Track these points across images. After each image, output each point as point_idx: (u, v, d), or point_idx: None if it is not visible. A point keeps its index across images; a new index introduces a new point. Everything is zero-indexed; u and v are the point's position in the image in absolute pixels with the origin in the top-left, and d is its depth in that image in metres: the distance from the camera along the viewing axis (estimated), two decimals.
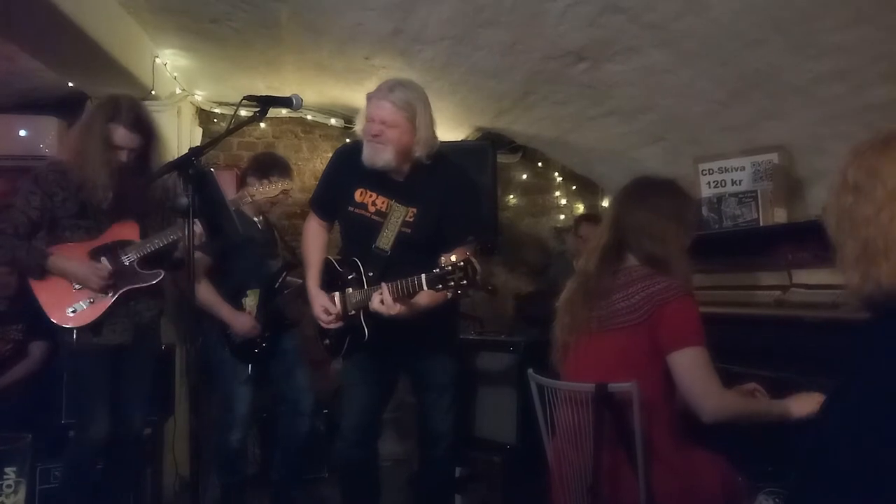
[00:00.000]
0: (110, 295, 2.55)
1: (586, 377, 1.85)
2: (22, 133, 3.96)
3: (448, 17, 2.93)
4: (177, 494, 3.64)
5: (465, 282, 2.03)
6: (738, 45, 2.55)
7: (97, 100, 2.70)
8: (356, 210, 2.45)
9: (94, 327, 2.52)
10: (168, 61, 3.81)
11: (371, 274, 2.39)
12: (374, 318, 2.29)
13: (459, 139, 4.53)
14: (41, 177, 2.54)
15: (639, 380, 1.77)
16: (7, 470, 0.84)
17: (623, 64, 2.97)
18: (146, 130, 2.60)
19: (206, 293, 3.11)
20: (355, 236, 2.51)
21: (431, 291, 2.12)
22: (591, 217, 4.22)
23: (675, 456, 1.85)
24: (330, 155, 2.83)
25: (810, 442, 1.13)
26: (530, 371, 2.13)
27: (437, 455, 2.65)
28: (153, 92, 3.67)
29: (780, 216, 2.83)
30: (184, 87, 4.12)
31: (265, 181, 3.17)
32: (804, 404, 1.81)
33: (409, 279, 2.16)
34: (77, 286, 2.52)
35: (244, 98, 2.26)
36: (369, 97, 2.34)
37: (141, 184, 2.59)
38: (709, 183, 3.08)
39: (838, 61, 2.36)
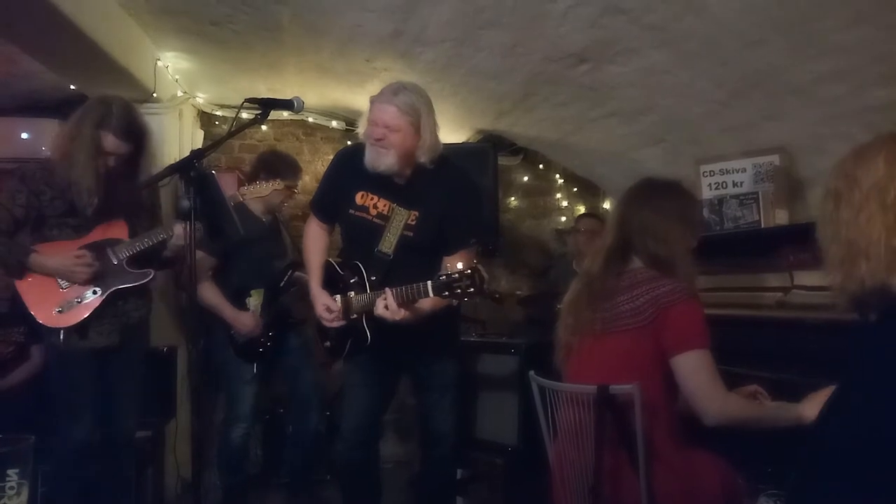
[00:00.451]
0: (98, 294, 2.51)
1: (589, 379, 1.85)
2: (24, 135, 3.97)
3: (449, 19, 2.93)
4: (178, 496, 3.63)
5: (472, 290, 2.04)
6: (738, 46, 2.55)
7: (91, 98, 2.63)
8: (357, 213, 2.45)
9: (81, 329, 2.48)
10: (169, 64, 3.81)
11: (374, 278, 2.39)
12: (377, 321, 2.29)
13: (460, 141, 4.53)
14: (28, 175, 2.50)
15: (641, 382, 1.77)
16: (10, 472, 0.84)
17: (624, 65, 2.97)
18: (136, 137, 2.56)
19: (209, 293, 3.13)
20: (357, 239, 2.50)
21: (436, 297, 2.13)
22: (592, 214, 4.23)
23: (677, 457, 1.85)
24: (331, 157, 2.83)
25: (810, 443, 1.14)
26: (532, 373, 2.13)
27: (439, 456, 2.65)
28: (154, 94, 3.68)
29: (781, 217, 2.83)
30: (185, 90, 4.12)
31: (268, 181, 3.15)
32: (817, 407, 1.76)
33: (415, 285, 2.16)
34: (64, 286, 2.47)
35: (245, 100, 2.27)
36: (373, 100, 2.33)
37: (129, 186, 2.56)
38: (710, 184, 3.08)
39: (839, 62, 2.36)
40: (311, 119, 4.61)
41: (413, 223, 2.40)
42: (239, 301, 3.20)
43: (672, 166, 3.33)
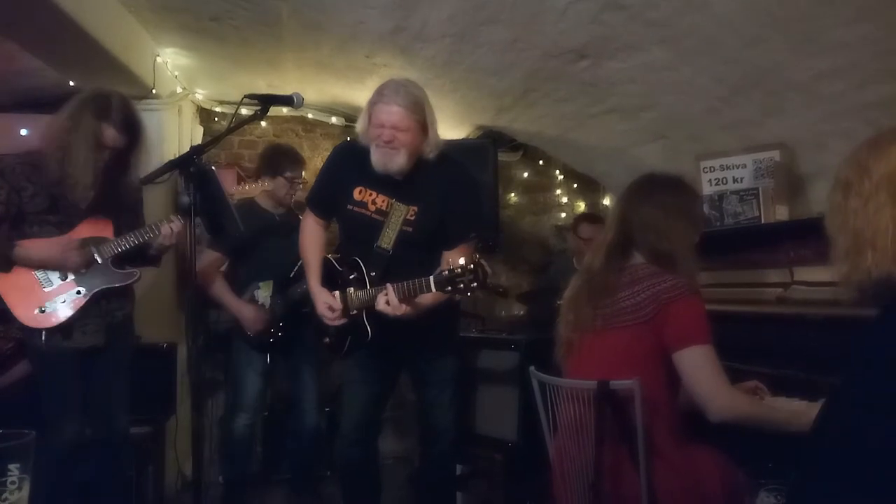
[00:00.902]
0: (83, 294, 2.45)
1: (589, 375, 1.85)
2: (23, 132, 3.96)
3: (449, 15, 2.93)
4: (178, 493, 3.64)
5: (475, 284, 2.04)
6: (739, 43, 2.55)
7: (84, 91, 2.56)
8: (355, 208, 2.44)
9: (64, 330, 2.42)
10: (169, 60, 3.81)
11: (374, 274, 2.38)
12: (377, 317, 2.29)
13: (460, 137, 4.53)
14: (8, 170, 2.42)
15: (642, 377, 1.77)
16: (11, 467, 0.84)
17: (624, 61, 2.96)
18: (134, 131, 2.51)
19: (217, 288, 3.22)
20: (355, 235, 2.50)
21: (438, 292, 2.13)
22: (590, 217, 4.22)
23: (677, 453, 1.85)
24: None
25: (811, 438, 1.14)
26: (532, 368, 2.13)
27: (439, 452, 2.66)
28: (154, 91, 3.68)
29: (781, 214, 2.82)
30: (184, 86, 4.12)
31: (279, 178, 3.28)
32: None
33: (417, 281, 2.15)
34: (46, 286, 2.41)
35: (245, 96, 2.27)
36: (374, 102, 2.28)
37: (119, 183, 2.52)
38: (710, 180, 3.07)
39: (840, 58, 2.36)
40: (310, 115, 4.61)
41: (412, 218, 2.39)
42: (249, 294, 3.25)
43: (672, 163, 3.33)
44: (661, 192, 1.99)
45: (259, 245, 3.29)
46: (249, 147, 4.55)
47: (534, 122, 4.09)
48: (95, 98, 2.46)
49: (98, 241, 2.48)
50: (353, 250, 2.48)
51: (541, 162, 4.94)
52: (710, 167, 3.08)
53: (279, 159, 3.34)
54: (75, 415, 2.47)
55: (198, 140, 4.26)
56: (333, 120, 4.64)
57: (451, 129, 4.51)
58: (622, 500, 1.83)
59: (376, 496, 2.70)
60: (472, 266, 2.03)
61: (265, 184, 3.23)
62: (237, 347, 3.29)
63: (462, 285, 2.04)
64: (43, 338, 2.40)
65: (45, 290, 2.42)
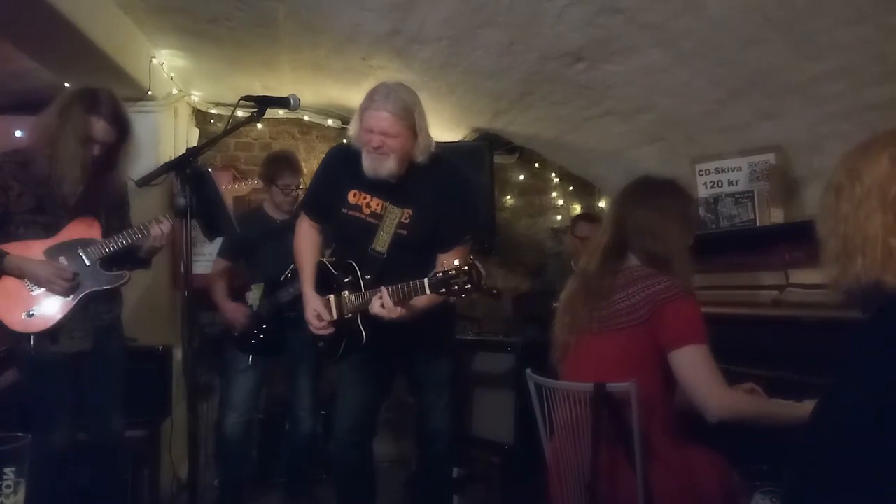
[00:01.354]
0: (71, 298, 2.40)
1: (586, 377, 1.85)
2: (18, 134, 3.94)
3: (446, 18, 2.93)
4: (174, 496, 3.63)
5: (469, 286, 2.04)
6: (735, 45, 2.56)
7: (71, 87, 2.52)
8: (350, 212, 2.43)
9: (52, 334, 2.38)
10: (165, 61, 3.80)
11: (368, 277, 2.38)
12: (372, 320, 2.29)
13: (457, 140, 4.53)
14: None
15: (638, 379, 1.77)
16: (6, 470, 0.84)
17: (621, 64, 2.97)
18: (123, 125, 2.47)
19: (215, 291, 3.36)
20: (350, 239, 2.49)
21: (433, 294, 2.13)
22: (588, 216, 4.23)
23: (673, 455, 1.85)
24: None
25: (806, 440, 1.14)
26: (528, 371, 2.13)
27: (435, 454, 2.65)
28: (150, 92, 3.67)
29: (776, 216, 2.84)
30: (180, 88, 4.11)
31: (273, 187, 3.38)
32: None
33: (411, 283, 2.15)
34: (34, 289, 2.37)
35: (242, 98, 2.26)
36: (365, 107, 2.28)
37: (107, 181, 2.49)
38: (705, 183, 3.09)
39: (836, 61, 2.37)
40: (306, 117, 4.60)
41: (407, 221, 2.39)
42: (242, 297, 3.35)
43: (669, 165, 3.34)
44: (656, 195, 2.00)
45: (258, 250, 3.36)
46: (245, 149, 4.55)
47: (530, 125, 4.10)
48: (83, 93, 2.42)
49: (86, 243, 2.45)
50: (348, 254, 2.48)
51: (537, 164, 4.94)
52: (706, 170, 3.09)
53: (274, 167, 3.40)
54: (64, 419, 2.44)
55: (193, 142, 4.25)
56: (329, 122, 4.64)
57: (447, 131, 4.51)
58: (618, 501, 1.83)
59: (371, 499, 2.69)
60: (466, 268, 2.03)
61: (256, 183, 3.33)
62: (228, 348, 3.39)
63: (456, 287, 2.04)
64: (31, 342, 2.36)
65: (33, 293, 2.38)
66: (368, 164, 2.32)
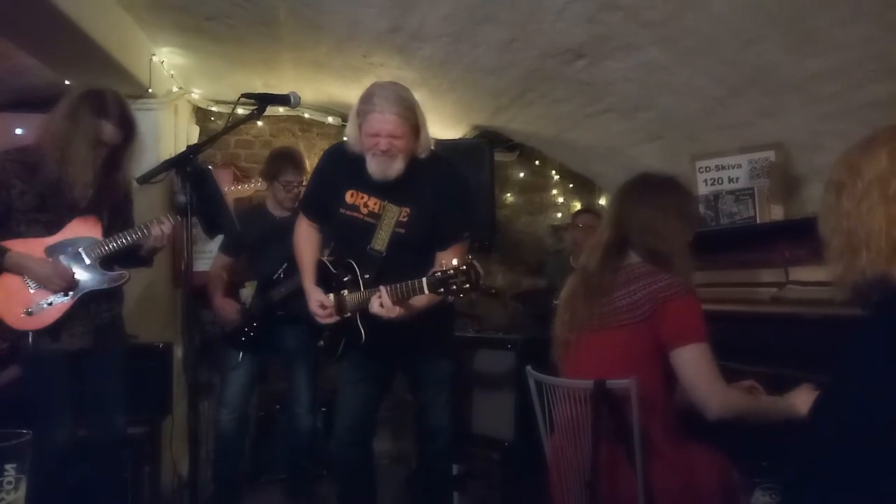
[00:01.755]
0: (70, 296, 2.41)
1: (586, 374, 1.85)
2: (18, 131, 3.94)
3: (446, 15, 2.93)
4: (174, 492, 3.64)
5: (467, 285, 2.04)
6: (736, 43, 2.55)
7: (75, 87, 2.54)
8: (348, 212, 2.43)
9: (52, 332, 2.39)
10: (165, 59, 3.80)
11: (367, 276, 2.38)
12: (371, 319, 2.29)
13: (457, 137, 4.53)
14: None
15: (638, 377, 1.77)
16: (7, 467, 0.84)
17: (621, 61, 2.97)
18: (130, 127, 2.50)
19: (211, 287, 3.36)
20: (349, 238, 2.49)
21: (431, 294, 2.13)
22: (589, 210, 4.23)
23: (673, 452, 1.85)
24: None
25: (806, 437, 1.14)
26: (529, 368, 2.13)
27: (435, 452, 2.66)
28: (150, 90, 3.67)
29: (776, 213, 2.83)
30: (181, 85, 4.11)
31: (276, 183, 3.36)
32: (807, 398, 1.81)
33: (410, 282, 2.16)
34: (34, 286, 2.38)
35: (242, 96, 2.26)
36: (367, 111, 2.25)
37: (111, 181, 2.51)
38: (706, 180, 3.08)
39: (836, 59, 2.37)
40: (306, 115, 4.60)
41: (405, 220, 2.39)
42: (237, 293, 3.35)
43: (669, 163, 3.33)
44: (656, 192, 1.99)
45: (259, 246, 3.36)
46: (246, 147, 4.55)
47: (530, 122, 4.09)
48: (90, 95, 2.44)
49: (86, 242, 2.46)
50: (347, 253, 2.48)
51: (537, 162, 4.94)
52: (706, 167, 3.09)
53: (277, 163, 3.39)
54: (65, 417, 2.44)
55: (194, 139, 4.25)
56: (330, 120, 4.63)
57: (447, 128, 4.51)
58: (619, 498, 1.83)
59: (372, 496, 2.70)
60: (464, 267, 2.04)
61: (259, 184, 3.32)
62: (219, 346, 3.42)
63: (455, 287, 2.04)
64: (30, 340, 2.37)
65: (32, 291, 2.39)
66: (376, 167, 2.31)
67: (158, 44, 3.64)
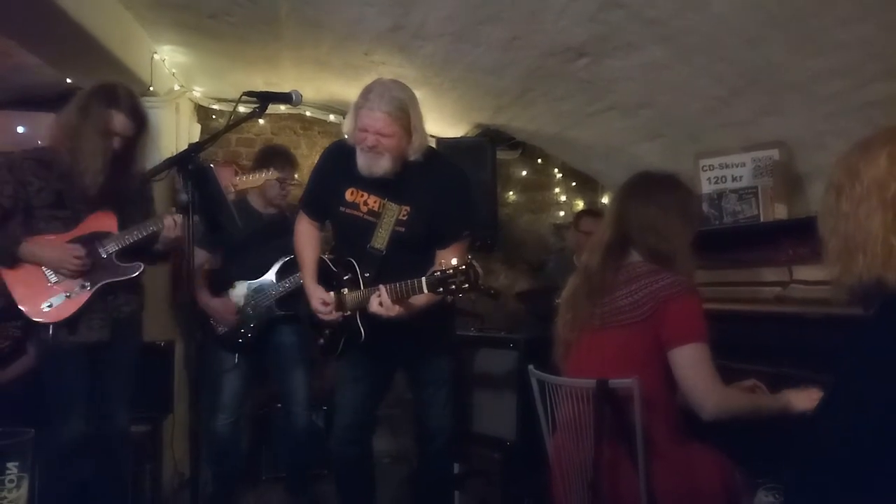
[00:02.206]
0: (87, 288, 2.47)
1: (588, 373, 1.85)
2: (20, 129, 3.95)
3: (448, 13, 2.92)
4: (175, 491, 3.64)
5: (466, 285, 2.04)
6: (738, 42, 2.55)
7: (88, 85, 2.59)
8: (348, 210, 2.44)
9: (70, 324, 2.44)
10: (166, 57, 3.80)
11: (367, 274, 2.38)
12: (370, 318, 2.29)
13: (459, 136, 4.53)
14: (15, 165, 2.46)
15: (640, 376, 1.77)
16: (9, 465, 0.84)
17: (623, 60, 2.96)
18: (141, 119, 2.55)
19: (198, 287, 3.18)
20: (349, 236, 2.49)
21: (431, 293, 2.13)
22: (592, 212, 4.22)
23: (676, 452, 1.85)
24: None
25: (808, 438, 1.14)
26: (531, 367, 2.13)
27: (435, 451, 2.66)
28: (151, 88, 3.67)
29: (780, 212, 2.83)
30: (182, 84, 4.11)
31: (261, 172, 3.16)
32: (804, 399, 1.82)
33: (409, 282, 2.16)
34: (53, 280, 2.44)
35: (244, 94, 2.25)
36: (360, 106, 2.28)
37: (125, 175, 2.54)
38: (709, 179, 3.08)
39: (839, 58, 2.36)
40: (308, 113, 4.60)
41: (404, 218, 2.39)
42: (225, 293, 3.24)
43: (671, 161, 3.33)
44: (658, 190, 1.99)
45: (240, 243, 3.26)
46: (247, 145, 4.54)
47: (532, 121, 4.09)
48: (101, 88, 2.51)
49: (102, 236, 2.50)
50: (347, 251, 2.48)
51: (539, 160, 4.94)
52: (710, 166, 3.08)
53: (270, 159, 3.31)
54: (80, 410, 2.49)
55: (195, 138, 4.25)
56: (331, 118, 4.63)
57: (449, 127, 4.51)
58: (620, 498, 1.83)
59: (372, 495, 2.70)
60: (463, 267, 2.04)
61: (269, 174, 3.12)
62: (209, 349, 3.25)
63: (454, 286, 2.04)
64: (50, 332, 2.43)
65: (50, 284, 2.45)
66: (363, 162, 2.32)
67: (160, 42, 3.64)
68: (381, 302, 2.20)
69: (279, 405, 3.92)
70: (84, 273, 2.47)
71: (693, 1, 2.42)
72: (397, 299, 2.20)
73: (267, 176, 3.07)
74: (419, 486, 2.95)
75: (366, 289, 2.34)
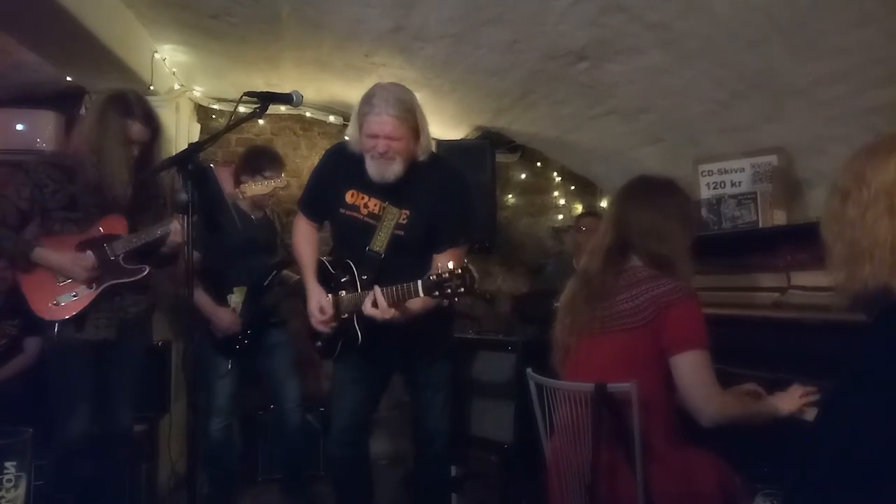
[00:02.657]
0: (94, 288, 2.53)
1: (587, 377, 1.85)
2: (19, 127, 3.94)
3: (449, 15, 2.92)
4: (171, 491, 3.63)
5: (462, 290, 2.04)
6: (738, 47, 2.55)
7: (99, 94, 2.68)
8: (347, 212, 2.43)
9: (77, 322, 2.51)
10: (167, 56, 3.79)
11: (365, 277, 2.38)
12: (368, 321, 2.28)
13: (458, 138, 4.53)
14: (32, 169, 2.55)
15: (640, 380, 1.77)
16: (7, 464, 0.84)
17: (623, 64, 2.96)
18: (156, 123, 2.64)
19: (198, 293, 3.12)
20: (348, 238, 2.49)
21: (427, 297, 2.12)
22: (593, 213, 4.23)
23: (673, 456, 1.85)
24: None
25: (808, 442, 1.14)
26: (529, 370, 2.13)
27: (432, 454, 2.65)
28: (151, 87, 3.66)
29: (779, 218, 2.83)
30: (182, 83, 4.10)
31: (258, 177, 3.20)
32: (787, 401, 1.86)
33: (405, 285, 2.15)
34: (62, 280, 2.51)
35: (244, 94, 2.24)
36: (365, 112, 2.27)
37: (142, 178, 2.61)
38: (708, 184, 3.08)
39: (839, 63, 2.36)
40: (308, 114, 4.60)
41: (404, 222, 2.39)
42: (222, 297, 3.21)
43: (670, 166, 3.33)
44: (657, 195, 1.99)
45: (238, 247, 3.24)
46: (247, 145, 4.51)
47: (532, 124, 4.09)
48: (114, 98, 2.59)
49: (112, 238, 2.57)
50: (346, 253, 2.48)
51: (539, 163, 4.94)
52: (709, 171, 3.08)
53: (258, 159, 3.32)
54: (84, 409, 2.52)
55: (195, 137, 4.23)
56: (331, 119, 4.63)
57: (449, 129, 4.51)
58: (618, 501, 1.83)
59: (369, 496, 2.70)
60: (459, 271, 2.04)
61: (280, 181, 3.14)
62: (204, 353, 3.21)
63: (449, 290, 2.05)
64: (56, 330, 2.48)
65: (59, 283, 2.52)
66: (374, 169, 2.32)
67: (160, 41, 3.64)
68: (377, 304, 2.20)
69: (272, 406, 3.92)
70: (92, 280, 2.53)
71: (694, 5, 2.42)
72: (393, 302, 2.20)
73: (277, 184, 3.11)
74: (417, 489, 2.95)
75: (363, 291, 2.33)
